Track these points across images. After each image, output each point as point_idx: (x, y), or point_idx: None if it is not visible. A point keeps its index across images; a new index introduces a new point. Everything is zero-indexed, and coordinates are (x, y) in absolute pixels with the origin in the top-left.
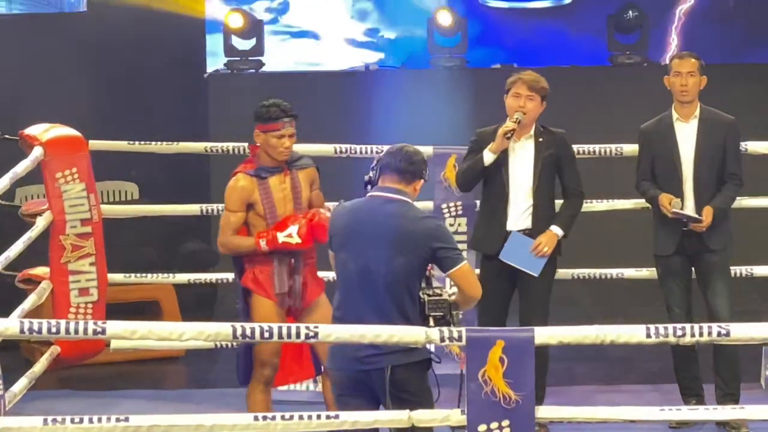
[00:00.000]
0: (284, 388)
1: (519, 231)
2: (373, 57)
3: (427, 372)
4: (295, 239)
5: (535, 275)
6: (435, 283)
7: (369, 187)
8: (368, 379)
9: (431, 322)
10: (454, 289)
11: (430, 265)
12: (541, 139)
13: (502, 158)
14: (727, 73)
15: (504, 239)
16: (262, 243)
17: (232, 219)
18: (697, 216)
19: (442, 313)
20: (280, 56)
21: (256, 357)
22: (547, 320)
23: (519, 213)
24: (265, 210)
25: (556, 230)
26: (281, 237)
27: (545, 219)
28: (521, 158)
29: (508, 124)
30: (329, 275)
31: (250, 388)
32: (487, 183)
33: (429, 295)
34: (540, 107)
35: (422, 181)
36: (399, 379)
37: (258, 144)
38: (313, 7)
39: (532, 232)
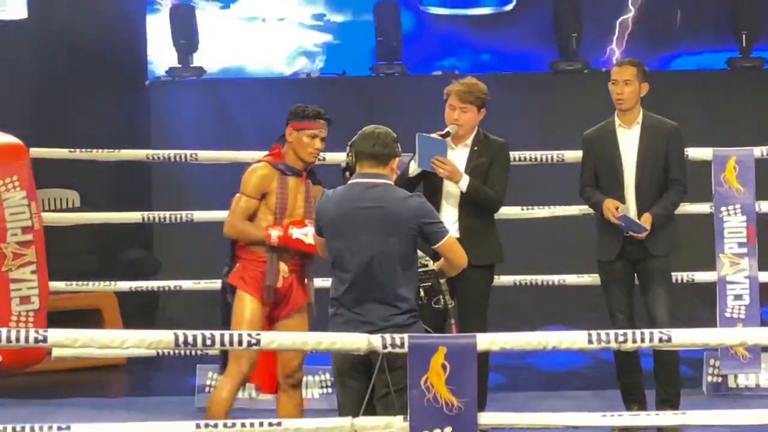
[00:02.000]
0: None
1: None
2: (320, 38)
3: None
4: (309, 240)
5: (423, 168)
6: (419, 254)
7: (347, 173)
8: (370, 357)
9: (421, 293)
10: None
11: None
12: (476, 148)
13: None
14: (666, 80)
15: None
16: (274, 234)
17: (245, 204)
18: (641, 224)
19: (430, 283)
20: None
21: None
22: (486, 328)
23: (450, 223)
24: (277, 203)
25: (465, 177)
26: (297, 233)
27: (474, 228)
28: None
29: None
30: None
31: (219, 384)
32: (426, 188)
33: (417, 267)
34: (477, 116)
35: (397, 159)
36: (397, 353)
37: (289, 141)
38: None
39: (461, 242)
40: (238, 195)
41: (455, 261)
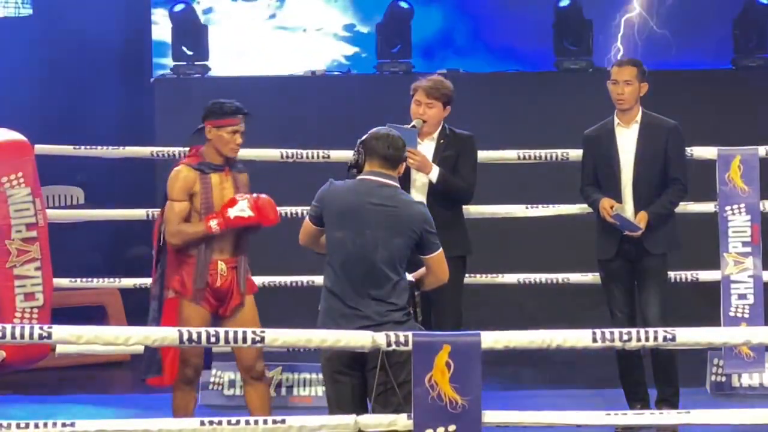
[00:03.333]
0: (229, 392)
1: None
2: (349, 50)
3: None
4: (248, 212)
5: None
6: None
7: (354, 170)
8: (363, 354)
9: None
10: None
11: None
12: (442, 141)
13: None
14: (671, 79)
15: None
16: (213, 224)
17: (177, 208)
18: (635, 223)
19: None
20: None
21: (179, 357)
22: (461, 322)
23: None
24: (202, 204)
25: (435, 168)
26: (233, 212)
27: (442, 219)
28: None
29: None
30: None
31: (173, 388)
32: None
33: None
34: (442, 112)
35: (404, 163)
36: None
37: (209, 139)
38: (302, 3)
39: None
40: (168, 203)
41: (440, 275)
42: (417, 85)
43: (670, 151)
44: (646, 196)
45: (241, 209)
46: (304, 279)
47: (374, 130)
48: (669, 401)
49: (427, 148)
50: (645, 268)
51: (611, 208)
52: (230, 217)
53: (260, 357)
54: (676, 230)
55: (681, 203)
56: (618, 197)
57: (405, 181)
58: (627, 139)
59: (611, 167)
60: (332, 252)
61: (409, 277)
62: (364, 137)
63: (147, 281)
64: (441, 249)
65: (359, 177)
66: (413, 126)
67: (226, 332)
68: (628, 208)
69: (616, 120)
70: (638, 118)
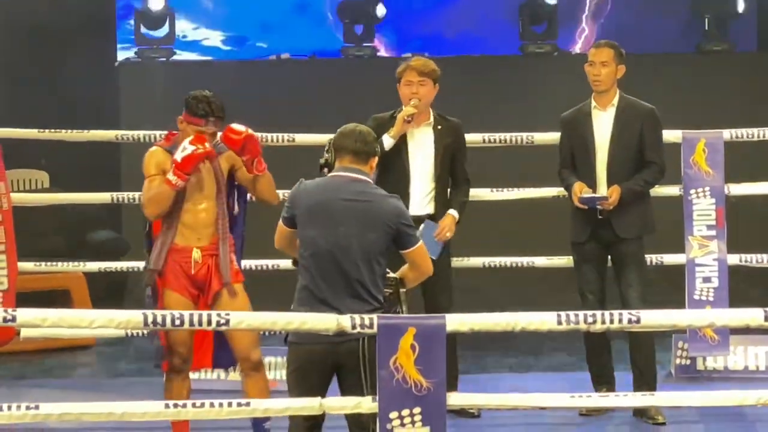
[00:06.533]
0: (194, 376)
1: (423, 216)
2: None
3: None
4: (190, 148)
5: (434, 258)
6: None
7: (326, 169)
8: (337, 352)
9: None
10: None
11: None
12: (439, 127)
13: (402, 144)
14: (636, 62)
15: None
16: (170, 176)
17: (153, 183)
18: (601, 195)
19: (390, 291)
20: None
21: (167, 345)
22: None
23: (420, 198)
24: None
25: (454, 213)
26: (178, 156)
27: (444, 204)
28: (421, 145)
29: (408, 109)
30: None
31: (165, 378)
32: (386, 168)
33: (385, 269)
34: (433, 90)
35: (376, 158)
36: (371, 352)
37: (181, 130)
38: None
39: (435, 217)
40: (145, 182)
41: (423, 267)
42: (406, 65)
43: (646, 135)
44: (621, 179)
45: (183, 149)
46: (269, 263)
47: (343, 127)
48: (650, 384)
49: (426, 134)
50: (622, 253)
51: (580, 192)
52: (177, 161)
53: (255, 346)
54: (648, 213)
55: None
56: (592, 180)
57: (405, 169)
58: (603, 122)
59: (586, 150)
60: (304, 251)
61: (394, 274)
62: (333, 137)
63: (112, 265)
64: (421, 242)
65: (330, 174)
66: (414, 105)
67: (191, 315)
68: (602, 190)
69: (593, 103)
70: (615, 101)
